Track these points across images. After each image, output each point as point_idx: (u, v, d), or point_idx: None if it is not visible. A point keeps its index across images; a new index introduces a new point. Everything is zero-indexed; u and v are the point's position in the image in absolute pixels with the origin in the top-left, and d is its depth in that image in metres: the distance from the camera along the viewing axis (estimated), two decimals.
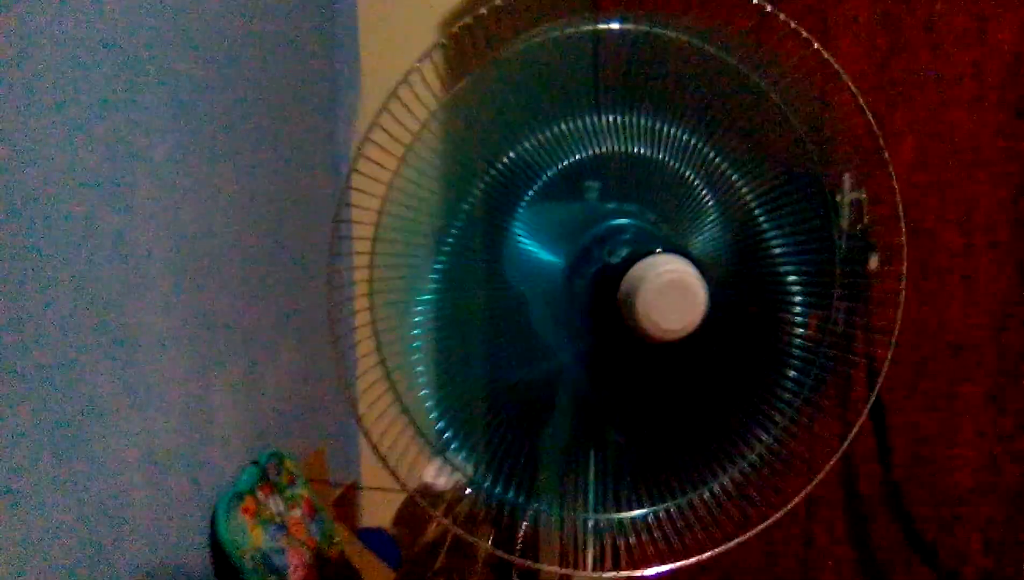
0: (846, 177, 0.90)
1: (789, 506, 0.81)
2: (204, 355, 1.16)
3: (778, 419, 0.82)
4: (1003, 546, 1.37)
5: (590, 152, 0.81)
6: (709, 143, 0.81)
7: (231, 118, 1.24)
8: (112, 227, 0.94)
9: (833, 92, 0.82)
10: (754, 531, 0.81)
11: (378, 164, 0.84)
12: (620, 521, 0.84)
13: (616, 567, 0.86)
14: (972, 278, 1.33)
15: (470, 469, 1.35)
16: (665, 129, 0.81)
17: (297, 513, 1.29)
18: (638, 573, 0.83)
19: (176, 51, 1.08)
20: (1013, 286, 1.32)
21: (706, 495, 0.82)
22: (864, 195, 0.93)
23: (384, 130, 0.82)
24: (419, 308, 0.87)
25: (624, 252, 0.73)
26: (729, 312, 0.78)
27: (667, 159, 0.81)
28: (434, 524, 1.44)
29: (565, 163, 0.81)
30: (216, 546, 1.14)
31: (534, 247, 0.84)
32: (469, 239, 0.84)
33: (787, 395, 0.84)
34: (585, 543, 0.87)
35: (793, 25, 0.80)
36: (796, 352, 0.84)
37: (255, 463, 1.25)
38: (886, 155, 0.83)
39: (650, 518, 0.83)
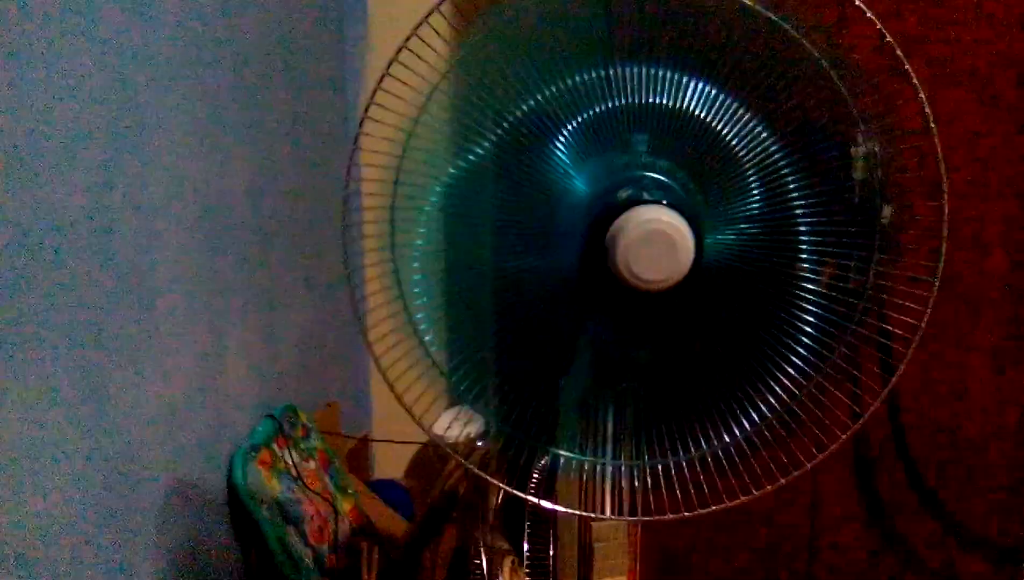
0: (860, 130, 0.90)
1: (819, 458, 0.81)
2: (219, 310, 1.17)
3: (791, 372, 0.83)
4: (1008, 497, 1.39)
5: (612, 104, 0.80)
6: (729, 89, 0.80)
7: (243, 75, 1.23)
8: (127, 182, 0.94)
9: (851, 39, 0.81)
10: (776, 485, 0.82)
11: (392, 111, 0.83)
12: (639, 468, 0.85)
13: (633, 513, 0.87)
14: (981, 227, 1.32)
15: (483, 421, 1.36)
16: (684, 80, 0.80)
17: (312, 465, 1.31)
18: (656, 519, 0.84)
19: (188, 3, 1.07)
20: (1021, 236, 1.32)
21: (724, 446, 0.82)
22: (878, 147, 0.93)
23: (394, 77, 0.81)
24: (423, 249, 0.87)
25: (623, 198, 0.74)
26: (751, 264, 0.78)
27: (694, 109, 0.80)
28: (447, 474, 1.46)
29: (584, 116, 0.81)
30: (233, 497, 1.16)
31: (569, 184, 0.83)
32: (480, 183, 0.84)
33: (800, 348, 0.84)
34: (603, 489, 0.88)
35: None
36: (809, 304, 0.84)
37: (270, 416, 1.27)
38: (932, 127, 0.82)
39: (669, 466, 0.84)
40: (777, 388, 0.83)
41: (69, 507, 0.84)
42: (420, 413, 0.88)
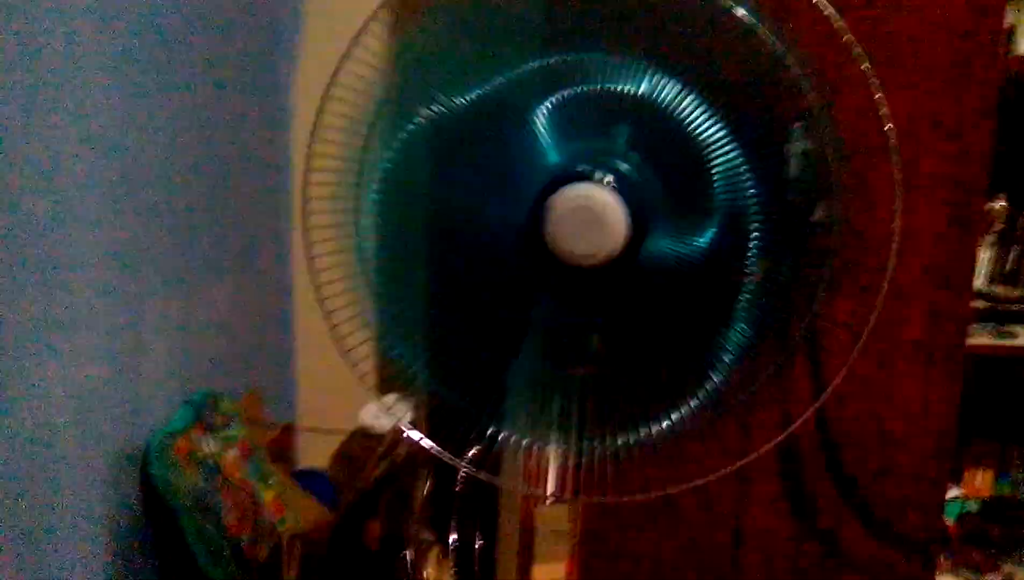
0: (795, 126, 0.90)
1: (760, 452, 0.82)
2: (135, 291, 1.12)
3: (726, 361, 0.83)
4: (925, 492, 1.43)
5: (584, 88, 0.81)
6: (685, 79, 0.80)
7: (168, 46, 1.18)
8: (38, 153, 0.89)
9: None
10: (725, 471, 0.83)
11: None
12: (585, 449, 0.86)
13: (576, 493, 0.87)
14: (908, 223, 1.35)
15: (410, 412, 1.34)
16: (651, 74, 0.80)
17: (232, 454, 1.27)
18: (598, 500, 0.84)
19: None
20: (949, 232, 1.35)
21: (659, 431, 0.83)
22: (811, 145, 0.94)
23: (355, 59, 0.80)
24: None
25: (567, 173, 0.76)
26: (704, 262, 0.79)
27: (660, 103, 0.81)
28: (373, 464, 1.43)
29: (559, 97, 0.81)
30: (148, 487, 1.12)
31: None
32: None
33: (732, 341, 0.85)
34: (548, 470, 0.88)
35: None
36: (743, 299, 0.85)
37: (188, 402, 1.22)
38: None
39: (614, 451, 0.84)
40: (708, 383, 0.84)
41: None
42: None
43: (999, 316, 1.74)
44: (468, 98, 0.84)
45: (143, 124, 1.12)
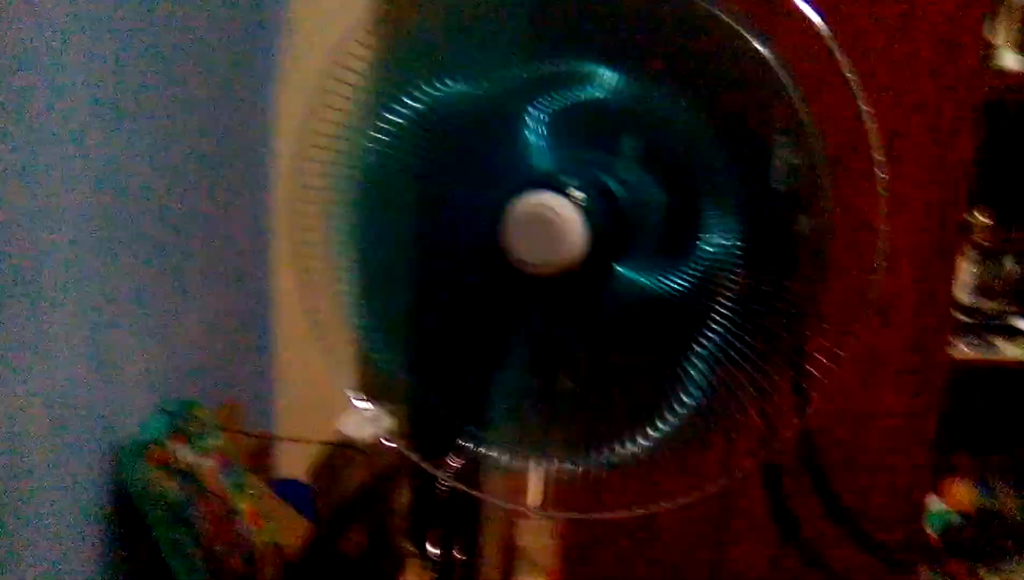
0: (779, 137, 0.90)
1: (740, 474, 0.82)
2: (112, 299, 1.10)
3: (710, 377, 0.83)
4: (907, 504, 1.43)
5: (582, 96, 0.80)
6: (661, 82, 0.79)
7: (148, 51, 1.17)
8: (14, 160, 0.87)
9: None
10: (707, 492, 0.82)
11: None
12: (567, 464, 0.85)
13: (559, 509, 0.87)
14: (893, 237, 1.35)
15: (392, 420, 1.33)
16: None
17: (209, 463, 1.25)
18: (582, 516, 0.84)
19: None
20: (933, 246, 1.36)
21: (641, 448, 0.82)
22: (796, 157, 0.93)
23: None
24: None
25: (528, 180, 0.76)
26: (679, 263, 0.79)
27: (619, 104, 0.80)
28: (352, 475, 1.42)
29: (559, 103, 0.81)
30: (123, 496, 1.10)
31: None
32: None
33: (713, 354, 0.84)
34: (531, 485, 0.88)
35: None
36: (724, 310, 0.84)
37: (165, 411, 1.21)
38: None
39: (592, 465, 0.83)
40: (688, 401, 0.83)
41: None
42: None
43: (981, 329, 1.75)
44: (457, 95, 0.84)
45: (122, 129, 1.11)
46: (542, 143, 0.83)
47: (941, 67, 1.30)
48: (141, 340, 1.19)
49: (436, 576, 1.28)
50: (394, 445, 0.93)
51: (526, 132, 0.83)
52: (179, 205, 1.30)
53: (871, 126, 0.79)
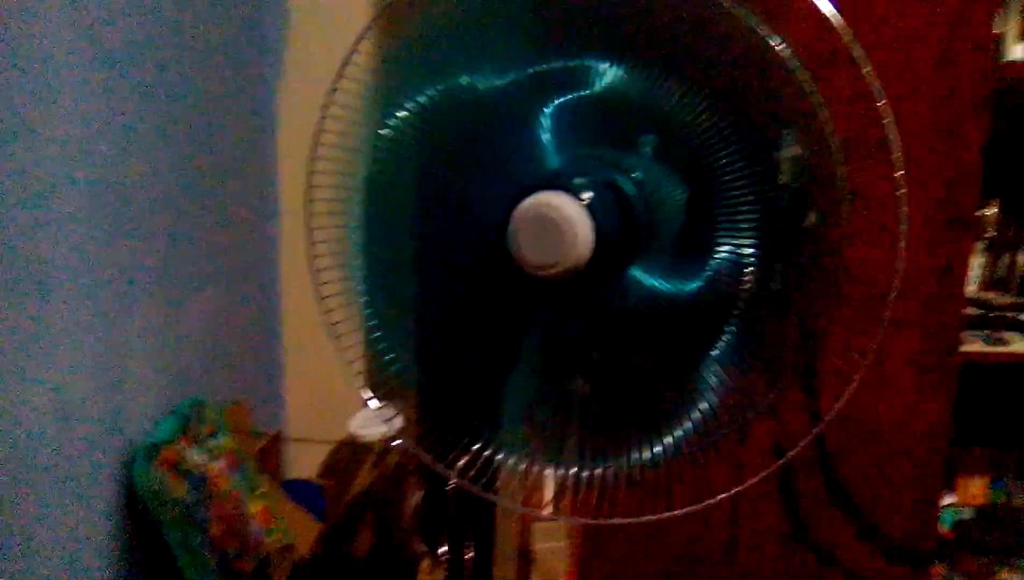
0: (787, 132, 0.89)
1: (757, 478, 0.81)
2: (119, 298, 1.10)
3: (717, 376, 0.82)
4: (920, 499, 1.42)
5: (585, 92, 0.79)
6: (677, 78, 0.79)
7: (148, 49, 1.17)
8: (17, 159, 0.87)
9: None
10: (720, 498, 0.82)
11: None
12: (581, 468, 0.84)
13: (573, 513, 0.86)
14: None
15: (402, 420, 1.33)
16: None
17: (219, 464, 1.25)
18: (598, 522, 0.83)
19: None
20: (942, 243, 1.35)
21: (655, 453, 0.81)
22: (803, 151, 0.93)
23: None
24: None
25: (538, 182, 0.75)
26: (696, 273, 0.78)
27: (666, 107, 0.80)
28: (363, 474, 1.42)
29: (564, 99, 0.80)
30: (133, 498, 1.10)
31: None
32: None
33: (726, 356, 0.84)
34: (545, 485, 0.87)
35: None
36: (736, 310, 0.84)
37: (174, 412, 1.21)
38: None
39: (606, 469, 0.83)
40: (702, 404, 0.83)
41: None
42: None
43: (991, 322, 1.74)
44: (462, 99, 0.83)
45: (127, 130, 1.11)
46: (551, 141, 0.83)
47: (950, 59, 1.29)
48: (150, 341, 1.19)
49: (447, 577, 1.28)
50: (404, 445, 0.92)
51: (535, 130, 0.82)
52: (186, 205, 1.30)
53: (889, 121, 0.78)
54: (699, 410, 0.82)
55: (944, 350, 1.38)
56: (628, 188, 0.80)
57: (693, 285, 0.81)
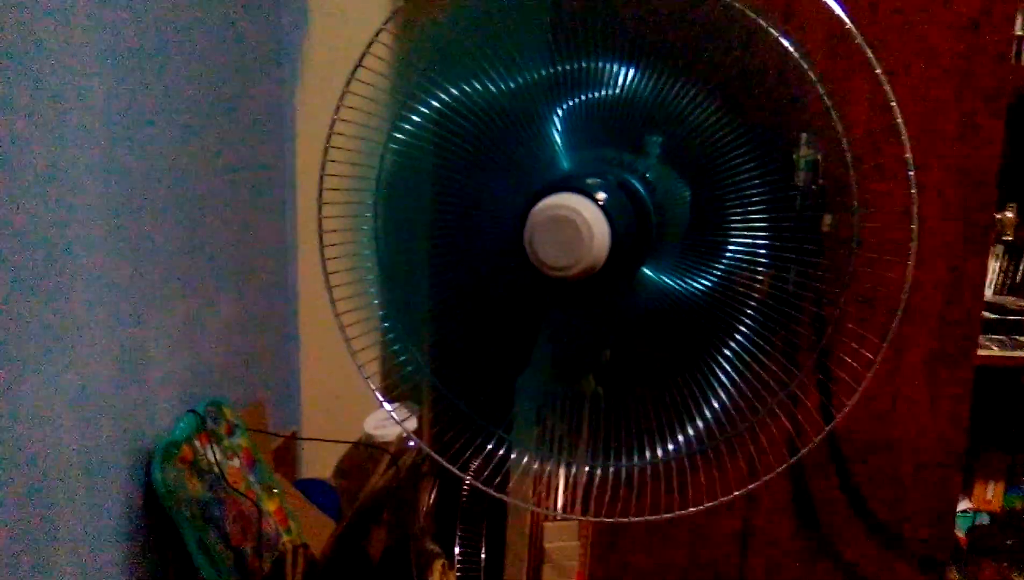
0: (803, 135, 0.89)
1: (770, 476, 0.81)
2: (140, 299, 1.11)
3: (731, 377, 0.82)
4: (938, 506, 1.41)
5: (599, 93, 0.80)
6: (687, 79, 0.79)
7: (171, 53, 1.18)
8: (41, 159, 0.88)
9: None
10: (733, 495, 0.82)
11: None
12: (593, 467, 0.85)
13: (585, 512, 0.86)
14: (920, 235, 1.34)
15: (414, 421, 1.33)
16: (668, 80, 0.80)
17: (236, 463, 1.26)
18: (608, 520, 0.83)
19: None
20: (959, 247, 1.34)
21: (668, 451, 0.81)
22: (820, 155, 0.93)
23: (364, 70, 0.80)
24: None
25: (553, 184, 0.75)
26: (701, 266, 0.78)
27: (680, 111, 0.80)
28: (377, 475, 1.42)
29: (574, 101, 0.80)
30: (151, 496, 1.11)
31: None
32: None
33: (739, 355, 0.84)
34: (557, 485, 0.87)
35: None
36: (749, 310, 0.84)
37: (192, 411, 1.22)
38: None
39: (618, 467, 0.83)
40: (715, 403, 0.83)
41: None
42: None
43: (1008, 326, 1.72)
44: (477, 100, 0.83)
45: (147, 129, 1.12)
46: (564, 142, 0.83)
47: (968, 61, 1.28)
48: (168, 341, 1.20)
49: (460, 576, 1.28)
50: (418, 445, 0.93)
51: (547, 131, 0.83)
52: (205, 207, 1.31)
53: (900, 123, 0.78)
54: (712, 408, 0.82)
55: (960, 354, 1.37)
56: (639, 188, 0.80)
57: (704, 284, 0.81)
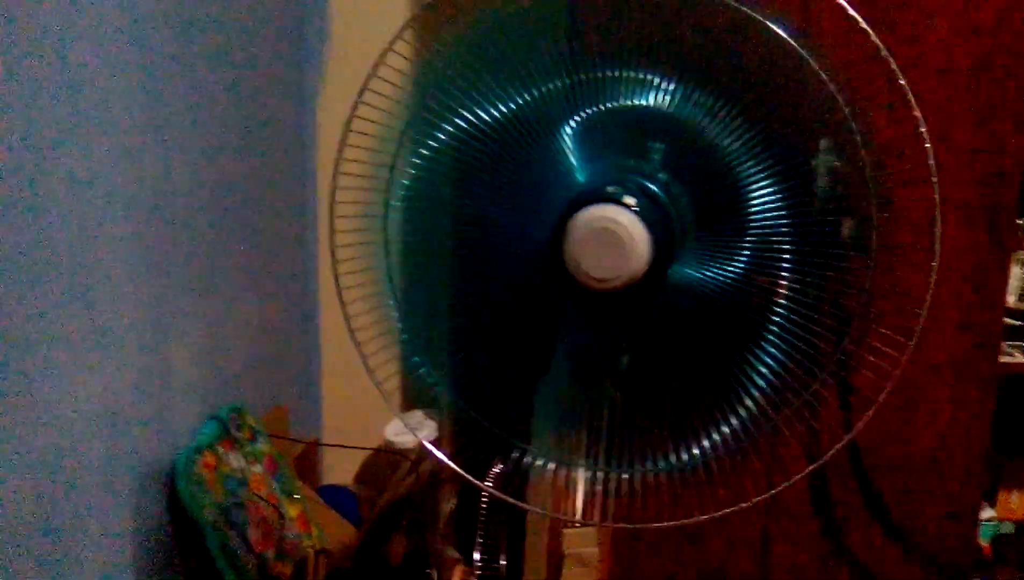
0: (822, 141, 0.89)
1: (789, 483, 0.81)
2: (163, 306, 1.13)
3: (758, 385, 0.82)
4: (958, 513, 1.40)
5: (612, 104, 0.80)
6: (722, 97, 0.79)
7: (195, 62, 1.19)
8: (67, 169, 0.90)
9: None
10: (753, 502, 0.82)
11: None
12: (613, 475, 0.85)
13: (604, 518, 0.86)
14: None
15: (434, 430, 1.34)
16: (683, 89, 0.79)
17: (258, 469, 1.27)
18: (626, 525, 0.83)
19: None
20: (980, 249, 1.33)
21: (689, 458, 0.81)
22: (839, 162, 0.92)
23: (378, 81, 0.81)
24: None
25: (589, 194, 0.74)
26: (727, 275, 0.78)
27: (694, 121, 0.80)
28: (397, 481, 1.43)
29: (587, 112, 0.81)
30: (174, 501, 1.12)
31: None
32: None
33: (762, 363, 0.84)
34: (576, 492, 0.88)
35: None
36: (774, 317, 0.84)
37: (215, 417, 1.23)
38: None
39: (639, 474, 0.83)
40: (739, 409, 0.83)
41: None
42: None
43: None
44: (493, 115, 0.84)
45: (171, 137, 1.14)
46: (576, 152, 0.83)
47: (990, 65, 1.28)
48: (191, 348, 1.21)
49: None
50: (438, 452, 0.93)
51: (566, 142, 0.83)
52: (228, 217, 1.33)
53: (922, 131, 0.78)
54: (734, 413, 0.82)
55: (983, 361, 1.36)
56: (659, 192, 0.80)
57: (725, 288, 0.81)
